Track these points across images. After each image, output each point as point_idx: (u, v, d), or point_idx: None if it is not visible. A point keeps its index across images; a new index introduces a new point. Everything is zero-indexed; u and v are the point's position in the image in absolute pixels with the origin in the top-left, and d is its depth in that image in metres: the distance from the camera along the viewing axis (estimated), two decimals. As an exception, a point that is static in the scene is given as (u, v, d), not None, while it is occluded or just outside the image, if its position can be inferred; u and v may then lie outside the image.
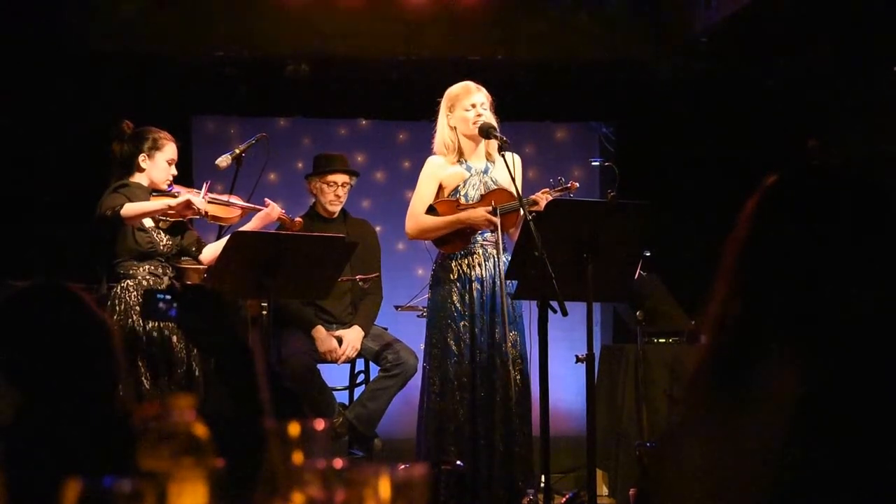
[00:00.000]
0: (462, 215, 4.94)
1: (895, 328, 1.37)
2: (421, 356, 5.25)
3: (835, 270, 1.40)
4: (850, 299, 1.38)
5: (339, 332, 5.69)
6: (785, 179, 1.49)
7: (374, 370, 5.84)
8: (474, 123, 4.91)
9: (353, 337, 5.67)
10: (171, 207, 4.79)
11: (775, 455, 1.31)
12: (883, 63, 6.25)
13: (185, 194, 4.87)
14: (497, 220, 4.86)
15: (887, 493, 1.29)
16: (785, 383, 1.34)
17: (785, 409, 1.33)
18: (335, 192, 5.82)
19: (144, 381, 4.74)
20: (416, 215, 5.02)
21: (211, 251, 5.05)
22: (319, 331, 5.64)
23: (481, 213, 4.90)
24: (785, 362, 1.36)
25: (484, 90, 5.01)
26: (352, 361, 5.87)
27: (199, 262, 5.12)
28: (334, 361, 5.67)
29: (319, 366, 5.69)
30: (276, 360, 5.35)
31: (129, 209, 4.72)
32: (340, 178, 5.84)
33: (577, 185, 5.19)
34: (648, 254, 5.24)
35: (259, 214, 5.09)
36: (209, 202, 5.04)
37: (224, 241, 4.82)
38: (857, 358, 1.35)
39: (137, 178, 5.00)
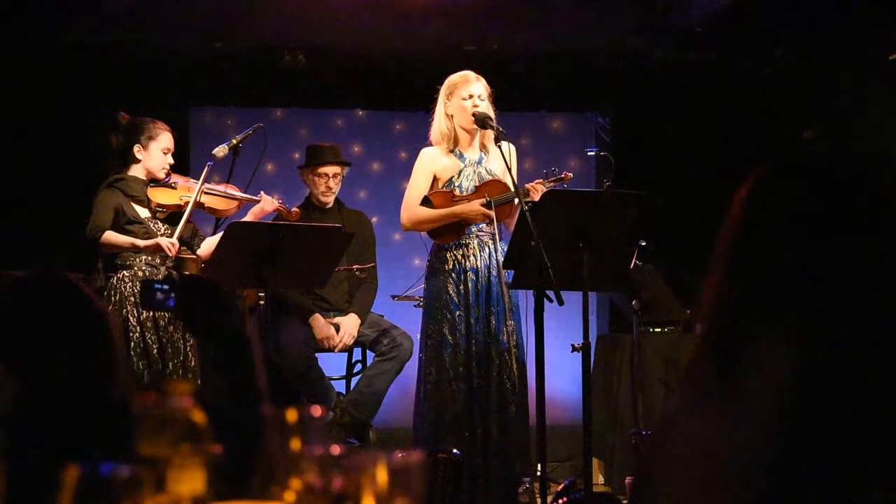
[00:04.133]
0: (457, 209, 4.95)
1: (889, 312, 1.37)
2: (417, 344, 5.27)
3: (828, 256, 1.40)
4: (843, 284, 1.39)
5: (336, 320, 5.71)
6: (777, 166, 1.49)
7: (371, 358, 5.85)
8: (471, 113, 4.91)
9: (350, 324, 5.69)
10: (136, 247, 4.87)
11: (771, 441, 1.31)
12: (880, 52, 6.25)
13: (156, 240, 4.89)
14: (492, 213, 4.88)
15: (883, 475, 1.29)
16: (781, 368, 1.35)
17: (781, 395, 1.33)
18: (326, 183, 5.83)
19: (139, 371, 4.75)
20: (411, 207, 5.02)
21: (208, 245, 5.06)
22: (317, 319, 5.67)
23: (476, 206, 4.91)
24: (781, 347, 1.37)
25: (483, 81, 5.01)
26: (349, 350, 5.88)
27: (197, 256, 5.13)
28: (332, 349, 5.68)
29: (317, 355, 5.71)
30: (274, 348, 5.37)
31: (107, 238, 4.85)
32: (331, 169, 5.85)
33: (571, 175, 5.20)
34: (644, 243, 5.25)
35: (253, 209, 5.11)
36: (206, 193, 5.05)
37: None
38: (852, 342, 1.36)
39: (134, 170, 5.01)
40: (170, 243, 4.83)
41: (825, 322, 1.38)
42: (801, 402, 1.33)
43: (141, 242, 4.86)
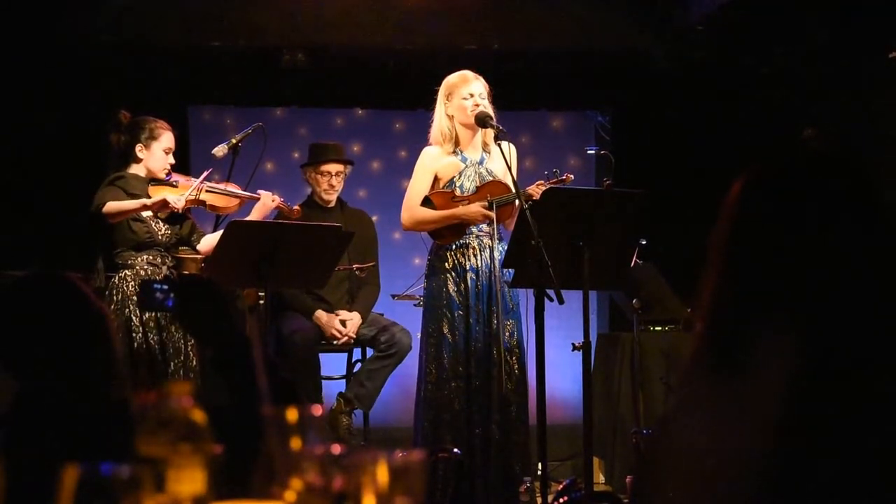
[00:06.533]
0: (458, 211, 4.94)
1: (887, 307, 1.37)
2: (416, 341, 5.27)
3: (823, 252, 1.40)
4: (839, 280, 1.39)
5: (342, 315, 5.70)
6: (770, 163, 1.49)
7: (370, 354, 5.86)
8: (472, 113, 4.90)
9: (353, 320, 5.70)
10: (146, 206, 4.84)
11: (770, 438, 1.31)
12: (879, 49, 6.24)
13: (162, 193, 4.89)
14: (493, 214, 4.88)
15: (885, 467, 1.29)
16: (779, 364, 1.35)
17: (779, 392, 1.33)
18: (329, 181, 5.84)
19: (141, 370, 4.75)
20: (412, 207, 5.02)
21: (209, 241, 5.07)
22: (321, 315, 5.67)
23: (477, 208, 4.90)
24: (778, 344, 1.37)
25: (482, 80, 5.00)
26: (349, 349, 5.87)
27: (197, 252, 5.13)
28: (338, 339, 5.68)
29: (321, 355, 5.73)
30: (277, 340, 5.40)
31: (110, 207, 4.81)
32: (334, 167, 5.86)
33: (572, 177, 5.19)
34: (644, 242, 5.25)
35: (256, 206, 5.11)
36: (207, 191, 5.05)
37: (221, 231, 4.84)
38: (850, 338, 1.36)
39: (135, 168, 5.01)
40: (176, 199, 4.84)
41: (822, 318, 1.38)
42: (799, 399, 1.33)
43: (145, 201, 4.84)
